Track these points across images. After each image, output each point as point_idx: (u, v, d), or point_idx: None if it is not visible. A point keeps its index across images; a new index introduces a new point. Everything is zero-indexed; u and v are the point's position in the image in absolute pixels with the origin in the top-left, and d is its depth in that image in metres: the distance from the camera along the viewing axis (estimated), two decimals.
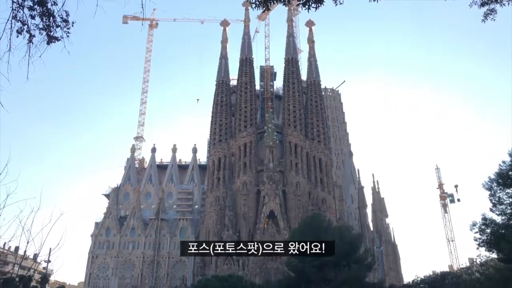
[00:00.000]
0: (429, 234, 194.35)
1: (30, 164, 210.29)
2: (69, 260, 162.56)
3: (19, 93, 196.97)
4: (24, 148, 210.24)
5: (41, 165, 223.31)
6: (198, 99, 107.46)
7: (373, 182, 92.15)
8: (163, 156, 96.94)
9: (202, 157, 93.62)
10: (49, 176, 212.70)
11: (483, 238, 30.80)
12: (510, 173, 29.30)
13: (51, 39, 7.87)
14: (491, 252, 31.63)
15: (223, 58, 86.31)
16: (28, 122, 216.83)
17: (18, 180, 8.60)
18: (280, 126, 77.94)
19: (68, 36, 7.94)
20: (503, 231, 28.75)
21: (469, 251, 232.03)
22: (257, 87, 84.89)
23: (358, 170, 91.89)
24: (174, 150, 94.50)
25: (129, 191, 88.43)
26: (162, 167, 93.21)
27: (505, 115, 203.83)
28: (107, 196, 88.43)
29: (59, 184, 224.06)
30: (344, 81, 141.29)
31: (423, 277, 38.86)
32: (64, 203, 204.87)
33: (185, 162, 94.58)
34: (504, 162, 30.02)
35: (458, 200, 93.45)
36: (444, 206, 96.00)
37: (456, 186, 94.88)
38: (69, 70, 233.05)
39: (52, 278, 61.29)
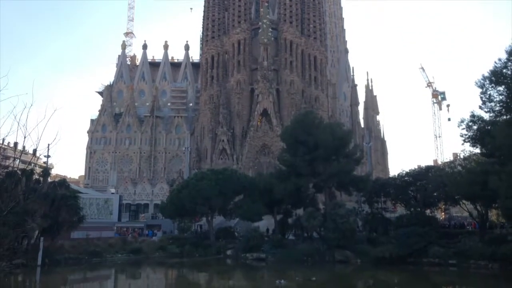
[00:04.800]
0: (417, 132, 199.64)
1: (19, 61, 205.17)
2: (69, 156, 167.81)
3: None
4: (11, 45, 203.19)
5: (31, 62, 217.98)
6: (191, 8, 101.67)
7: (367, 80, 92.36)
8: (155, 53, 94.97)
9: (195, 55, 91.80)
10: (39, 73, 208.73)
11: (469, 134, 31.96)
12: (504, 70, 29.25)
13: None
14: (474, 148, 33.07)
15: None
16: (11, 18, 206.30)
17: (8, 76, 8.45)
18: (275, 22, 74.80)
19: None
20: (489, 127, 29.69)
21: (454, 148, 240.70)
22: None
23: (352, 68, 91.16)
24: (166, 47, 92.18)
25: (122, 89, 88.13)
26: (154, 65, 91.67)
27: (506, 10, 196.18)
28: (100, 93, 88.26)
29: (50, 81, 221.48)
30: None
31: (408, 171, 40.64)
32: (57, 100, 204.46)
33: (177, 59, 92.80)
34: (500, 59, 29.80)
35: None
36: (438, 103, 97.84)
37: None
38: None
39: (53, 172, 63.80)
